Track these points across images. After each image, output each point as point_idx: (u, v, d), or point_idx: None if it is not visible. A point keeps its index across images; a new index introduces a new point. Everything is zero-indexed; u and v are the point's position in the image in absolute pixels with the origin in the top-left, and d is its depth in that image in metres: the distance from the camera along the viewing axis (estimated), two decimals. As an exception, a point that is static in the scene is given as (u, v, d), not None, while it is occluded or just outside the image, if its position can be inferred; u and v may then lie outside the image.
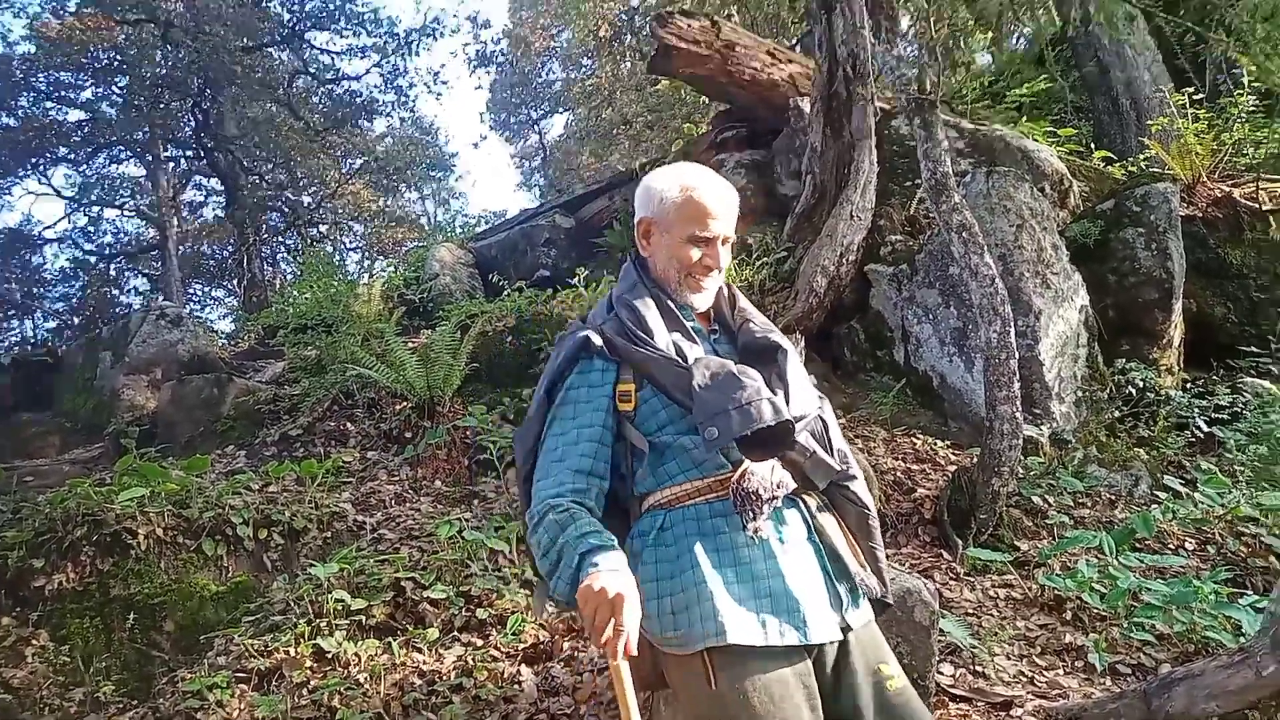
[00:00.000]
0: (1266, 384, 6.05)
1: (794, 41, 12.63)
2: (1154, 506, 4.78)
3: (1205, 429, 5.69)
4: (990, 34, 14.91)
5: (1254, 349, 6.48)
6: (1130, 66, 9.59)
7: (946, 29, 16.76)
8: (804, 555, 1.78)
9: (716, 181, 1.95)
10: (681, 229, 1.91)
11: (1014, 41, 15.06)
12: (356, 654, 3.56)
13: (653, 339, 1.84)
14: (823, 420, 1.88)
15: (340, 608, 3.75)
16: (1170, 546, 4.53)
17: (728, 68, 8.93)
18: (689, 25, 8.87)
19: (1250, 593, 3.94)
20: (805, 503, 1.84)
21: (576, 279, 8.30)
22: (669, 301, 1.94)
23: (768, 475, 1.73)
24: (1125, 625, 3.74)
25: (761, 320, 2.02)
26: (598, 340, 1.85)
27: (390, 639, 3.66)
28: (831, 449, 1.85)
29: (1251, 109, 7.50)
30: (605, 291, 8.09)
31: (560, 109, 28.31)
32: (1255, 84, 7.20)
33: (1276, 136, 7.43)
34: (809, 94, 8.00)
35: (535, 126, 29.68)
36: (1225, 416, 5.79)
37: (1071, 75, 11.01)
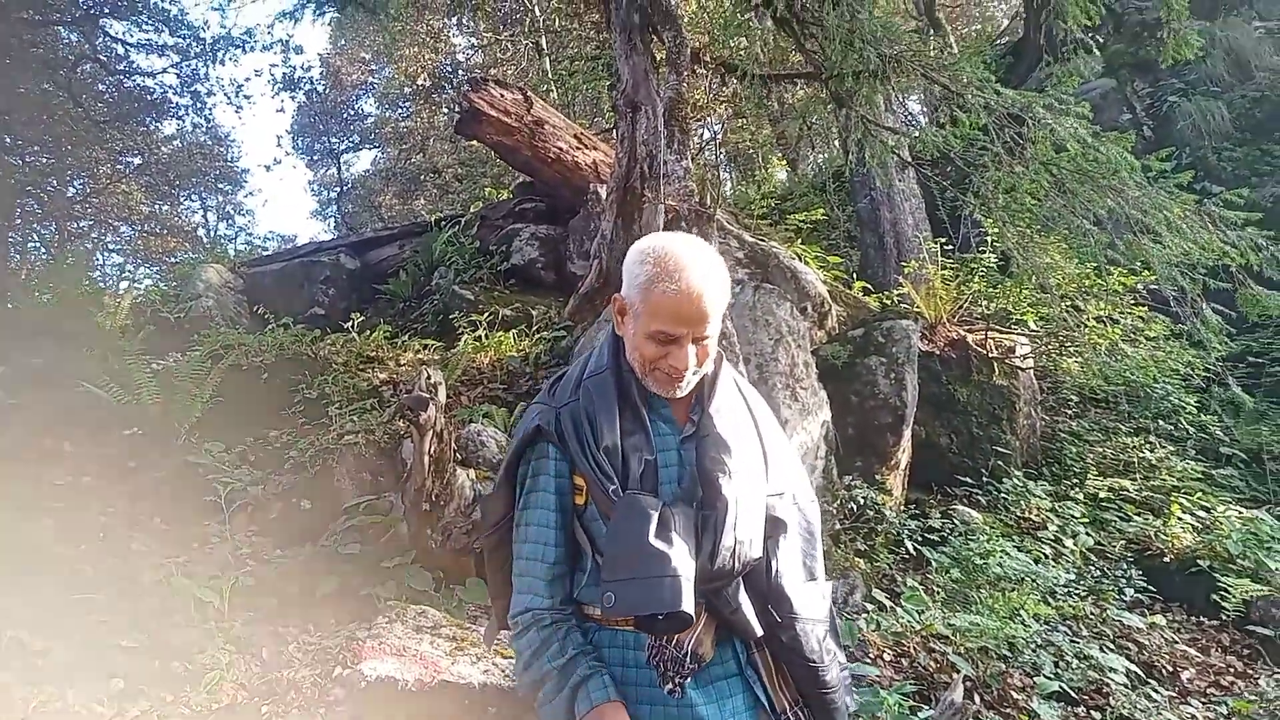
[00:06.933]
0: (974, 513, 6.63)
1: (605, 130, 13.05)
2: (862, 616, 5.11)
3: (916, 549, 6.16)
4: (787, 157, 16.12)
5: (969, 480, 7.04)
6: (898, 209, 10.44)
7: (750, 144, 17.94)
8: (730, 692, 1.65)
9: (699, 268, 1.63)
10: (646, 321, 1.64)
11: (806, 167, 16.34)
12: (24, 698, 3.23)
13: (599, 441, 1.64)
14: (771, 562, 1.67)
15: (17, 646, 3.42)
16: (870, 656, 4.83)
17: (534, 143, 9.10)
18: (502, 95, 9.00)
19: (928, 707, 4.28)
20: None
21: (351, 323, 8.09)
22: (635, 391, 1.71)
23: (687, 643, 1.59)
24: (817, 729, 3.93)
25: (730, 418, 1.75)
26: (549, 430, 1.69)
27: (69, 686, 3.35)
28: (774, 592, 1.66)
29: (990, 266, 8.18)
30: (378, 340, 7.94)
31: (368, 145, 27.77)
32: (996, 244, 7.84)
33: (1007, 294, 8.30)
34: (608, 183, 8.27)
35: (337, 159, 28.89)
36: (935, 539, 6.22)
37: (848, 208, 11.95)
